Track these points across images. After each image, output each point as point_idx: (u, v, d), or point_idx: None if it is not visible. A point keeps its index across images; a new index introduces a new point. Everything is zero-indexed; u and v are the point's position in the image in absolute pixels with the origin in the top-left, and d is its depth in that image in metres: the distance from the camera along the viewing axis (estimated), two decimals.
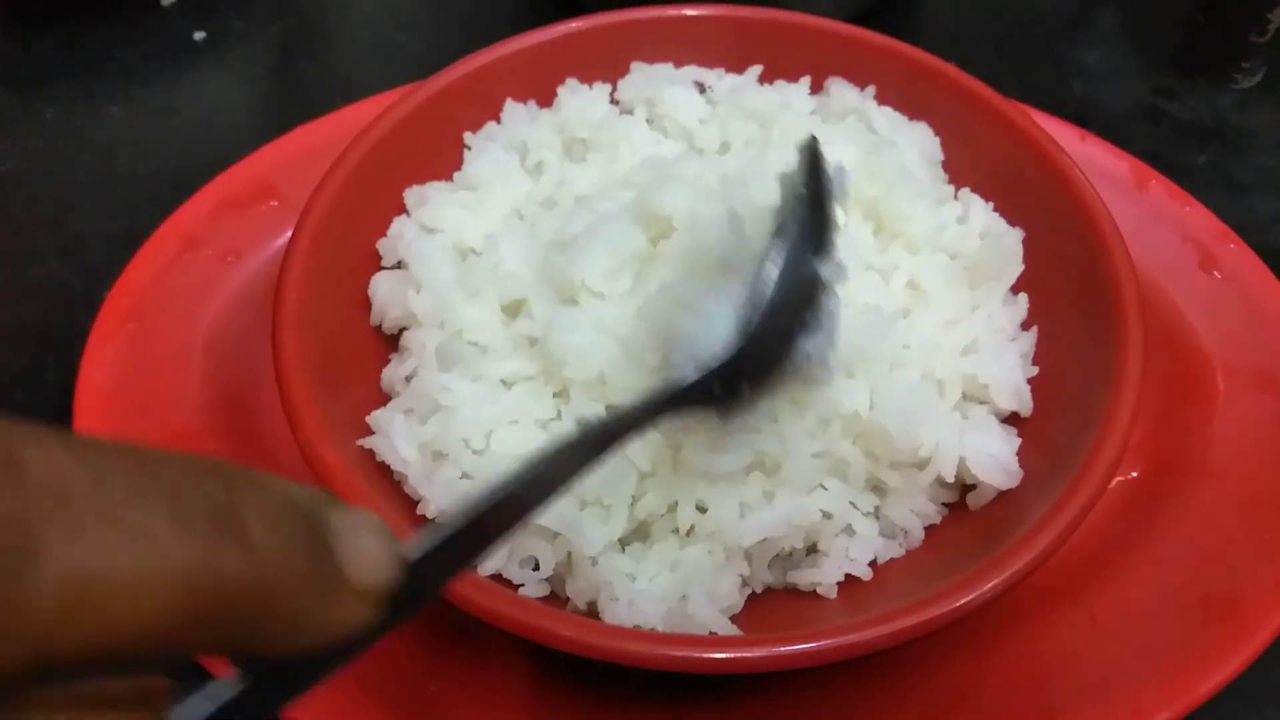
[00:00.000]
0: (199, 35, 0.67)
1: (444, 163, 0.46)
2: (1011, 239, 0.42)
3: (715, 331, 0.33)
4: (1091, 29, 0.69)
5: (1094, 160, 0.51)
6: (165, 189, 0.52)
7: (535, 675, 0.37)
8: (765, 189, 0.38)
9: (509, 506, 0.24)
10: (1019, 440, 0.39)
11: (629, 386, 0.36)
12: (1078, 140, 0.53)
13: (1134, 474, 0.44)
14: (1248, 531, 0.41)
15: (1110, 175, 0.51)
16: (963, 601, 0.31)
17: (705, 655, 0.30)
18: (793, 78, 0.49)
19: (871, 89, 0.48)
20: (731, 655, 0.30)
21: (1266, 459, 0.43)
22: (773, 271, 0.34)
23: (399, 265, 0.43)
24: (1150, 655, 0.38)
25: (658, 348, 0.36)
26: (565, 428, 0.37)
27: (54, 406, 0.45)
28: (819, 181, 0.35)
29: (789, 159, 0.36)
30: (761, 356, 0.34)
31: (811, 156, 0.35)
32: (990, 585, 0.32)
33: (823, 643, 0.31)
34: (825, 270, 0.35)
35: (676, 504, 0.36)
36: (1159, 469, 0.44)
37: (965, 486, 0.39)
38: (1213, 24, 0.63)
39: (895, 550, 0.38)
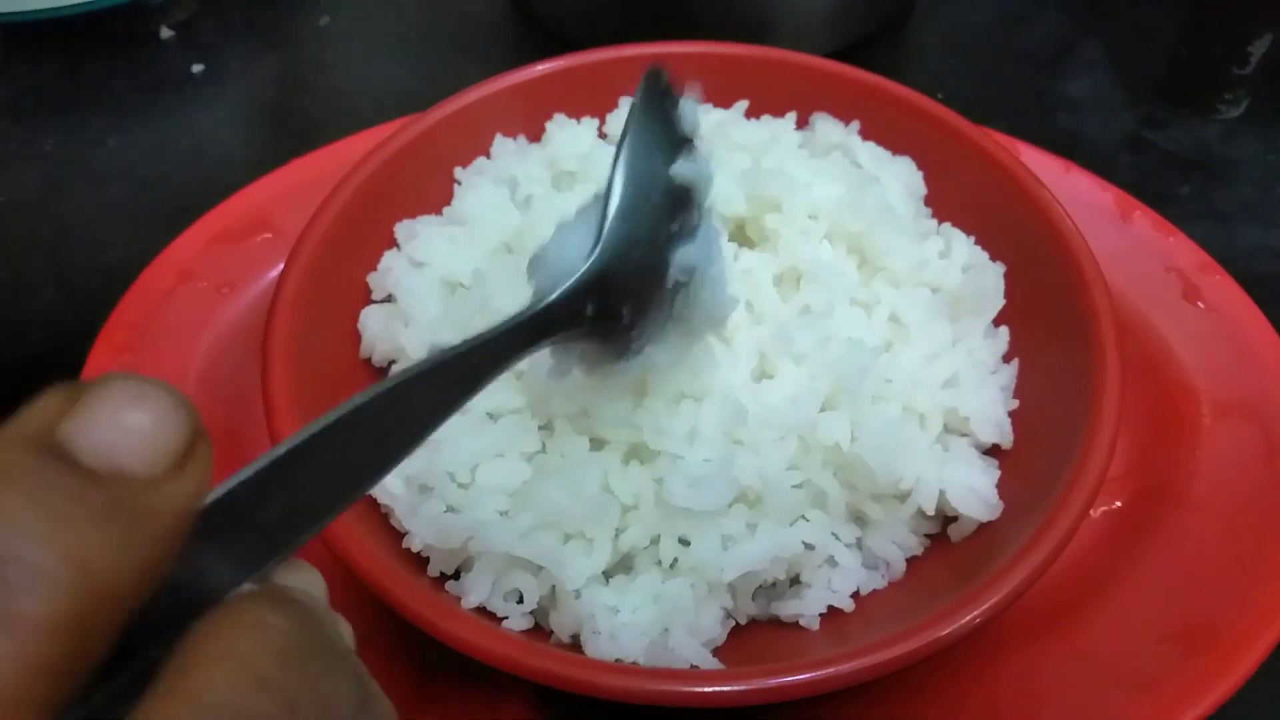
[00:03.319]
0: (197, 68, 0.68)
1: (434, 197, 0.47)
2: (993, 274, 0.43)
3: (573, 254, 0.32)
4: (1076, 61, 0.69)
5: (1079, 192, 0.52)
6: (161, 221, 0.53)
7: (531, 707, 0.37)
8: None
9: (352, 442, 0.22)
10: (999, 472, 0.40)
11: (614, 419, 0.37)
12: (1063, 172, 0.53)
13: (1118, 503, 0.44)
14: (1230, 562, 0.41)
15: (1095, 206, 0.52)
16: (942, 634, 0.32)
17: (684, 689, 0.31)
18: (778, 113, 0.49)
19: (856, 124, 0.48)
20: (711, 689, 0.31)
21: (1249, 490, 0.43)
22: (615, 178, 0.32)
23: (389, 299, 0.43)
24: (1133, 685, 0.38)
25: (639, 383, 0.36)
26: (550, 461, 0.37)
27: None
28: (661, 97, 0.34)
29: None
30: (626, 268, 0.32)
31: (653, 79, 0.34)
32: (969, 618, 0.32)
33: (802, 676, 0.31)
34: (685, 172, 0.34)
35: (659, 537, 0.36)
36: (1143, 498, 0.44)
37: (947, 518, 0.40)
38: (1196, 56, 0.64)
39: (878, 581, 0.39)
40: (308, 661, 0.16)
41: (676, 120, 0.35)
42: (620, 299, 0.33)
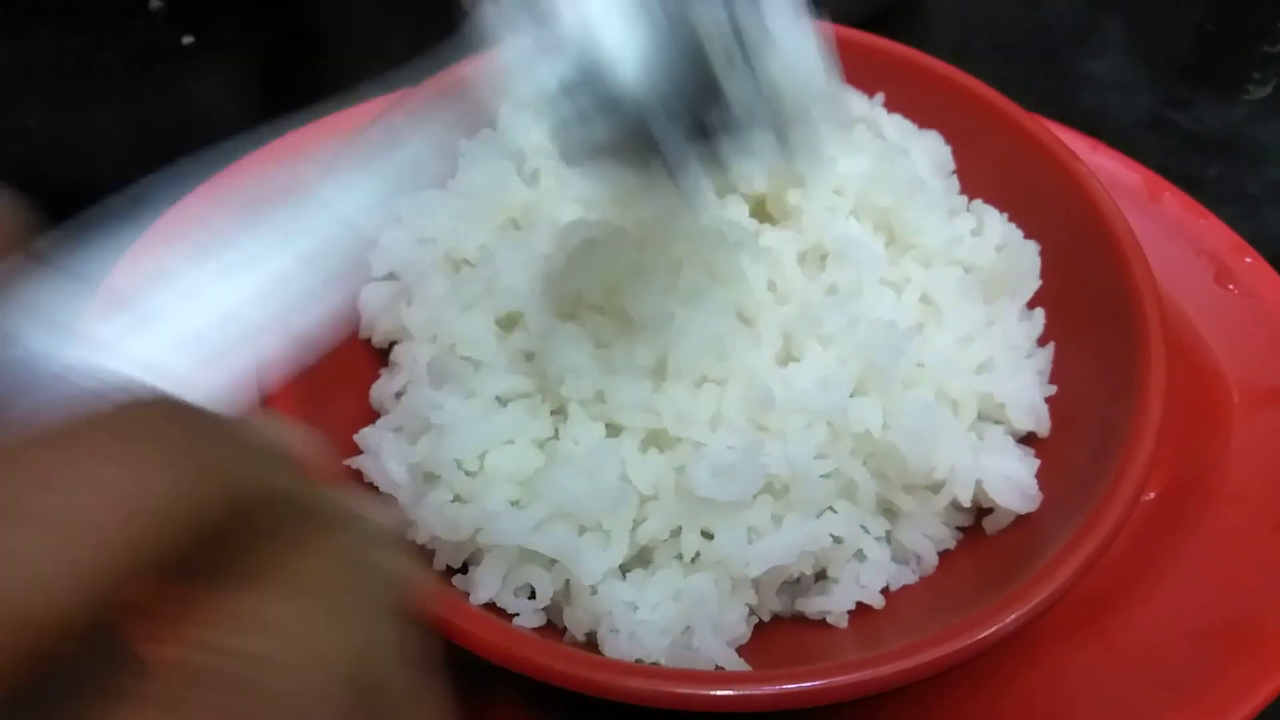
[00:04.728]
0: (187, 39, 0.65)
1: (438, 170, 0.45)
2: (1029, 252, 0.41)
3: None
4: (1099, 38, 0.68)
5: (1106, 171, 0.50)
6: None
7: (530, 712, 0.35)
8: None
9: None
10: (1037, 462, 0.38)
11: (631, 404, 0.35)
12: (1089, 151, 0.51)
13: (1151, 494, 0.42)
14: (1270, 555, 0.40)
15: (1123, 186, 0.50)
16: (983, 636, 0.30)
17: (710, 693, 0.29)
18: None
19: (880, 96, 0.46)
20: (738, 693, 0.29)
21: None
22: None
23: (390, 276, 0.41)
24: (1171, 685, 0.37)
25: (659, 365, 0.34)
26: (564, 448, 0.35)
27: None
28: None
29: None
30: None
31: None
32: (1013, 618, 0.30)
33: (834, 680, 0.29)
34: None
35: (680, 529, 0.34)
36: (1177, 489, 0.42)
37: (981, 510, 0.38)
38: (1223, 34, 0.63)
39: (908, 577, 0.37)
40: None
41: None
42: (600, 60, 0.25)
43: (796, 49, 0.28)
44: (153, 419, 0.15)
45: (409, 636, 0.18)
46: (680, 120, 0.26)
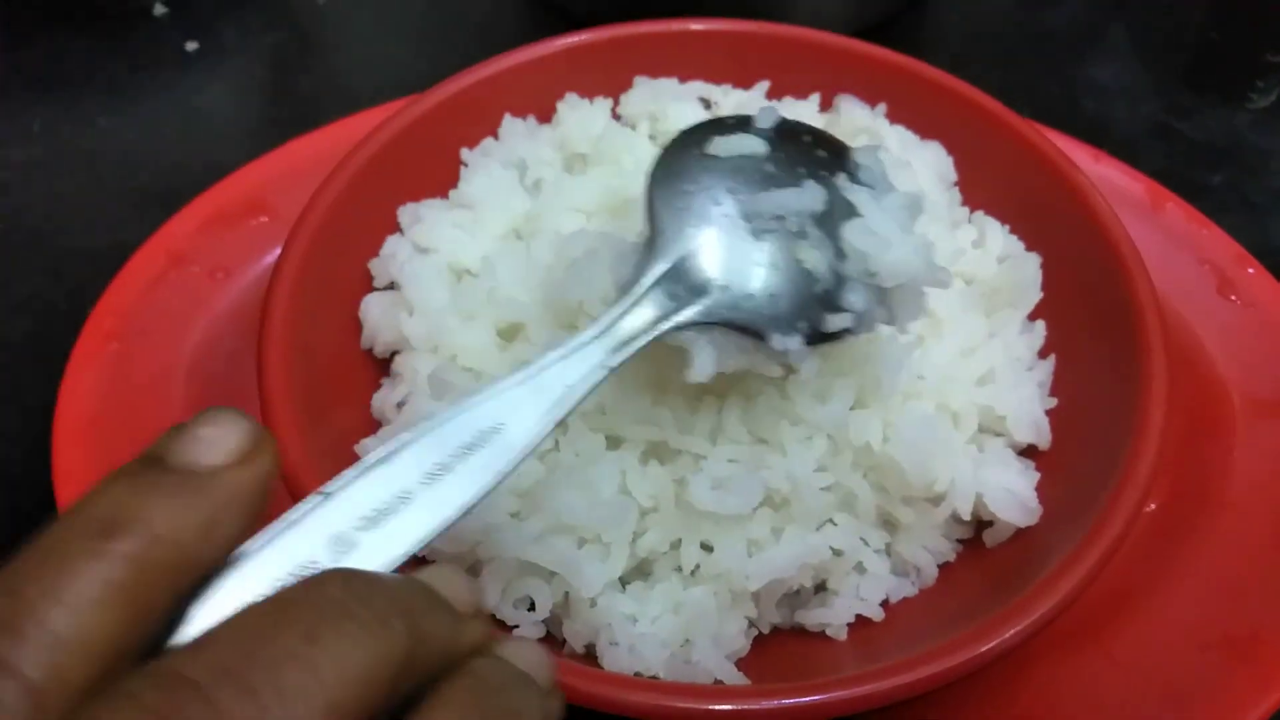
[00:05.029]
0: (191, 46, 0.65)
1: (440, 180, 0.45)
2: (1030, 265, 0.41)
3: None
4: (1102, 46, 0.67)
5: (1109, 181, 0.50)
6: (153, 203, 0.51)
7: None
8: None
9: None
10: (1037, 475, 0.38)
11: (632, 416, 0.35)
12: (1092, 160, 0.51)
13: (1153, 506, 0.42)
14: (1272, 567, 0.40)
15: (1126, 196, 0.50)
16: (983, 650, 0.30)
17: (709, 707, 0.29)
18: (801, 94, 0.47)
19: (882, 107, 0.46)
20: (737, 707, 0.29)
21: None
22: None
23: (392, 286, 0.42)
24: (1172, 697, 0.36)
25: (659, 378, 0.34)
26: (564, 460, 0.35)
27: (35, 430, 0.43)
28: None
29: None
30: (707, 234, 0.33)
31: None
32: (1013, 632, 0.30)
33: (833, 694, 0.29)
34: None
35: (680, 542, 0.34)
36: (1179, 501, 0.42)
37: (981, 523, 0.38)
38: (1227, 41, 0.62)
39: (908, 589, 0.37)
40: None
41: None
42: (714, 268, 0.32)
43: (898, 249, 0.33)
44: (343, 595, 0.19)
45: None
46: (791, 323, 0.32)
